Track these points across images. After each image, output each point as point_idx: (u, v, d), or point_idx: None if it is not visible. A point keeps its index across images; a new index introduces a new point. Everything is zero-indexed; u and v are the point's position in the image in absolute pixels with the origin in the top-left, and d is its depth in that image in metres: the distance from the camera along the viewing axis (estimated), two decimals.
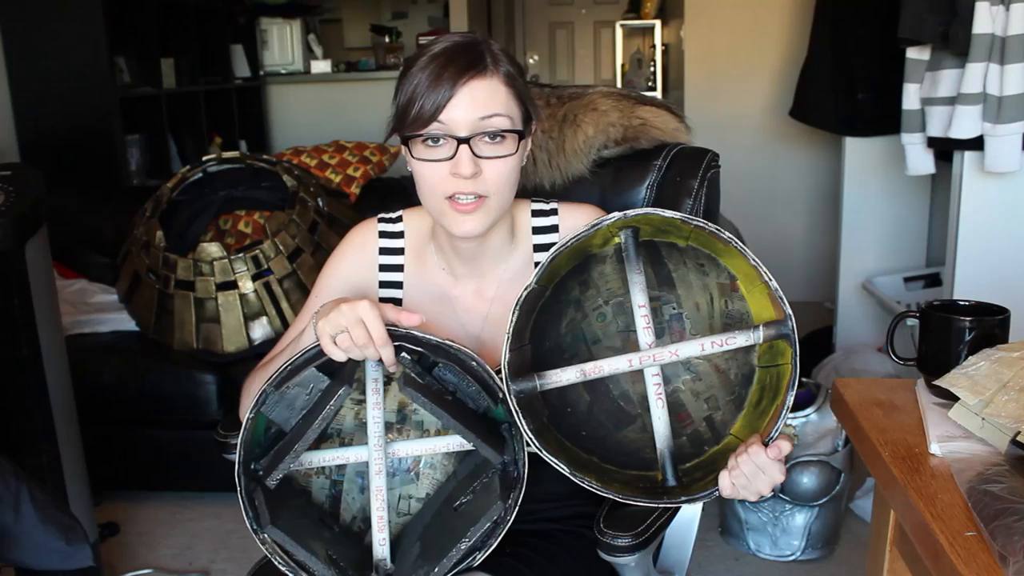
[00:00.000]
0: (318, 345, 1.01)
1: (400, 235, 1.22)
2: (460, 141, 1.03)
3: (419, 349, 1.03)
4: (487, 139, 1.05)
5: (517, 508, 1.02)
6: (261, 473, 1.03)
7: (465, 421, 1.02)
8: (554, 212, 1.21)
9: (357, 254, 1.23)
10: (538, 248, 1.19)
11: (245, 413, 1.06)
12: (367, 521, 1.13)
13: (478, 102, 1.03)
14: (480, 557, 1.02)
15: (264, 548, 1.02)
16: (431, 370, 1.06)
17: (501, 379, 1.02)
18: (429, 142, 1.05)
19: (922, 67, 2.18)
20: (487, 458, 1.05)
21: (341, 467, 1.16)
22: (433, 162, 1.05)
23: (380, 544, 1.05)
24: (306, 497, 1.14)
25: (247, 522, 1.02)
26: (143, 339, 2.50)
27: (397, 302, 1.21)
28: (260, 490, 1.02)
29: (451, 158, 1.04)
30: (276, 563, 1.02)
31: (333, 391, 1.01)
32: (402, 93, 1.06)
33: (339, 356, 0.99)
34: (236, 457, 1.02)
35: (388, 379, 1.13)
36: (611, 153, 1.35)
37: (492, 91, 1.04)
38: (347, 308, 0.97)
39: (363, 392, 1.08)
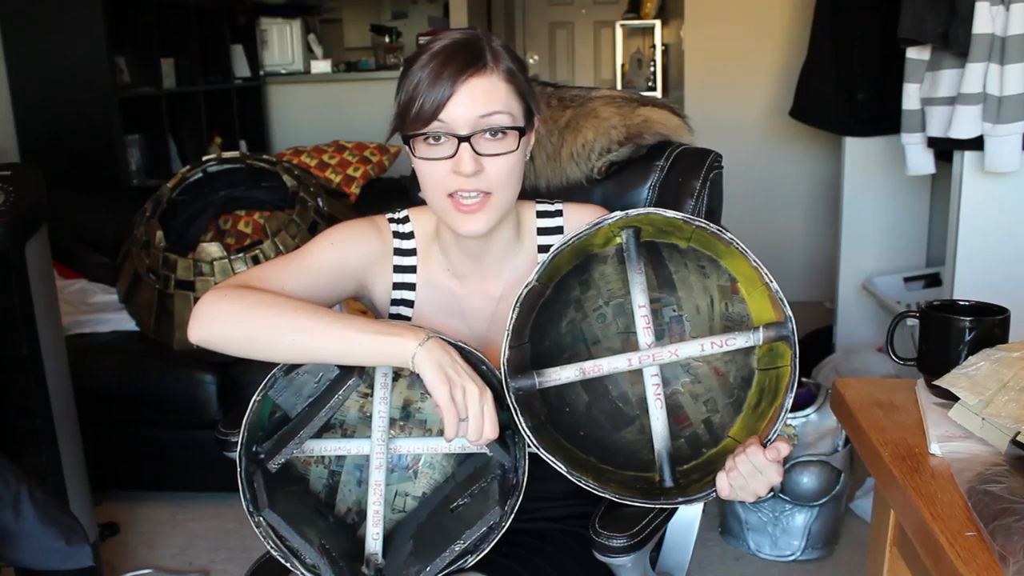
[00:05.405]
0: None
1: (411, 235, 1.21)
2: (461, 139, 1.03)
3: None
4: (488, 136, 1.05)
5: (513, 515, 1.02)
6: (263, 456, 1.04)
7: None
8: (559, 213, 1.21)
9: (375, 243, 1.19)
10: (542, 249, 1.19)
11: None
12: (362, 514, 1.13)
13: (477, 100, 1.03)
14: (472, 560, 1.02)
15: (258, 531, 1.02)
16: None
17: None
18: (431, 140, 1.05)
19: (922, 67, 2.18)
20: (488, 462, 1.04)
21: (340, 458, 1.17)
22: (435, 160, 1.05)
23: (373, 538, 1.06)
24: (304, 485, 1.14)
25: (244, 504, 1.02)
26: (143, 339, 2.50)
27: (409, 304, 1.21)
28: (260, 473, 1.03)
29: (452, 156, 1.04)
30: (268, 547, 1.02)
31: (343, 381, 1.01)
32: (403, 92, 1.06)
33: (451, 412, 0.98)
34: (239, 438, 1.02)
35: (397, 374, 1.14)
36: (619, 156, 1.34)
37: (492, 88, 1.04)
38: (475, 397, 0.97)
39: (370, 385, 1.08)
